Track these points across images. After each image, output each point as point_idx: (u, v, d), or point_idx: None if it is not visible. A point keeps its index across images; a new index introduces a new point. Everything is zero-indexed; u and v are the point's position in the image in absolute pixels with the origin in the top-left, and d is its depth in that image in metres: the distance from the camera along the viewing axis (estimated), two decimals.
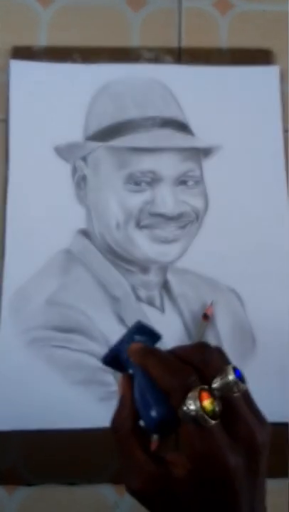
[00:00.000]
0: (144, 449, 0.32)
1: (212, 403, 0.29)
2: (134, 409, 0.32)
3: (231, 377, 0.31)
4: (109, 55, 0.62)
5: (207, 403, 0.29)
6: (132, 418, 0.32)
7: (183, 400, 0.30)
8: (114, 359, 0.36)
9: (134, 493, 0.32)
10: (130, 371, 0.34)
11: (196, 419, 0.29)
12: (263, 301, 0.57)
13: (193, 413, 0.29)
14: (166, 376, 0.31)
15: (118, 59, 0.61)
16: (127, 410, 0.33)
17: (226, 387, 0.30)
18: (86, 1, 0.63)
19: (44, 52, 0.61)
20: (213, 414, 0.29)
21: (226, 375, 0.31)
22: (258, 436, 0.31)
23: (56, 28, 0.63)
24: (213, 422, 0.29)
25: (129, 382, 0.33)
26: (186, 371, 0.31)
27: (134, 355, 0.34)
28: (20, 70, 0.60)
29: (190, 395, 0.30)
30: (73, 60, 0.61)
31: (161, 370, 0.31)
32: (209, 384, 0.30)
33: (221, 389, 0.30)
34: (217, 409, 0.30)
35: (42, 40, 0.62)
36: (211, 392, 0.30)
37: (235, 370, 0.32)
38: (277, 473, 0.53)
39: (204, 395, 0.29)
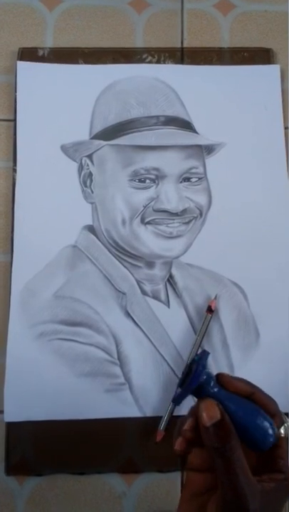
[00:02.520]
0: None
1: None
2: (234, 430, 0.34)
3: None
4: (114, 55, 0.63)
5: None
6: (237, 437, 0.34)
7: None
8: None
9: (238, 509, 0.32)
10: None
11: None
12: (266, 294, 0.58)
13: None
14: (271, 403, 0.36)
15: (122, 60, 0.63)
16: (233, 430, 0.34)
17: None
18: (91, 4, 0.65)
19: (50, 53, 0.62)
20: None
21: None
22: None
23: (62, 29, 0.64)
24: None
25: (221, 406, 0.35)
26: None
27: (244, 387, 0.37)
28: (26, 71, 0.61)
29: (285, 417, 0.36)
30: (78, 61, 0.62)
31: (266, 399, 0.37)
32: None
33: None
34: None
35: (48, 41, 0.64)
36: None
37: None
38: None
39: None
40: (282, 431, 0.36)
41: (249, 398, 0.36)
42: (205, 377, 0.35)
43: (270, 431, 0.34)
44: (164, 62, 0.63)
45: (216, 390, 0.36)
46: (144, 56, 0.63)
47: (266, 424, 0.34)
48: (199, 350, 0.55)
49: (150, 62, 0.63)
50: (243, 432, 0.34)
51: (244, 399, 0.36)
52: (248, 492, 0.32)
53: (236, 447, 0.33)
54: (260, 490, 0.33)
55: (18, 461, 0.53)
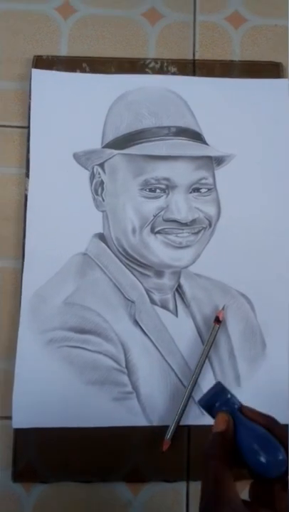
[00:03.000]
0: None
1: None
2: (233, 446, 0.36)
3: None
4: (127, 66, 0.63)
5: None
6: (231, 453, 0.35)
7: None
8: (208, 404, 0.40)
9: None
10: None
11: None
12: (273, 306, 0.58)
13: None
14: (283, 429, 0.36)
15: (135, 70, 0.63)
16: (229, 444, 0.36)
17: None
18: (105, 14, 0.66)
19: (64, 62, 0.63)
20: None
21: None
22: None
23: (76, 38, 0.65)
24: None
25: (232, 422, 0.37)
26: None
27: (265, 420, 0.38)
28: (41, 79, 0.62)
29: None
30: (92, 70, 0.63)
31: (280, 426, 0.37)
32: None
33: None
34: None
35: (62, 50, 0.64)
36: None
37: None
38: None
39: None
40: None
41: (268, 430, 0.37)
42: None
43: (281, 457, 0.34)
44: (176, 74, 0.64)
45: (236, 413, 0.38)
46: (157, 67, 0.64)
47: (278, 452, 0.34)
48: (207, 362, 0.55)
49: (162, 73, 0.64)
50: (253, 454, 0.35)
51: (263, 428, 0.37)
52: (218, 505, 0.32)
53: (224, 461, 0.34)
54: None
55: (25, 467, 0.53)
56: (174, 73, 0.64)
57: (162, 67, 0.64)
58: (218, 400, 0.39)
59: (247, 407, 0.39)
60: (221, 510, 0.32)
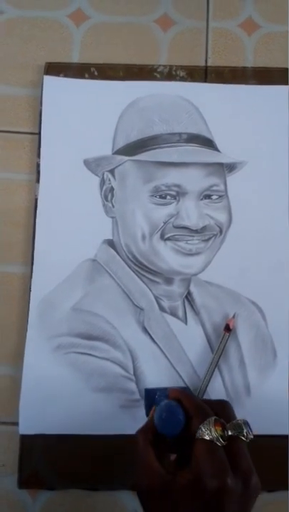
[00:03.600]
0: (158, 459, 0.40)
1: (222, 431, 0.40)
2: (154, 428, 0.42)
3: (244, 424, 0.41)
4: (138, 72, 0.64)
5: (218, 429, 0.39)
6: (152, 434, 0.42)
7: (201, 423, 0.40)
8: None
9: (141, 491, 0.40)
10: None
11: (208, 439, 0.39)
12: (285, 315, 0.57)
13: (206, 432, 0.39)
14: (192, 406, 0.42)
15: (146, 77, 0.63)
16: (150, 428, 0.43)
17: (238, 428, 0.40)
18: (117, 21, 0.66)
19: (76, 68, 0.63)
20: (222, 439, 0.39)
21: (241, 421, 0.41)
22: (254, 475, 0.39)
23: (88, 45, 0.65)
24: (219, 443, 0.39)
25: (154, 409, 0.44)
26: (207, 408, 0.42)
27: (174, 394, 0.44)
28: (53, 85, 0.62)
29: (207, 420, 0.40)
30: (103, 77, 0.63)
31: (189, 400, 0.43)
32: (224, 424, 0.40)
33: (233, 428, 0.40)
34: (225, 435, 0.39)
35: (74, 57, 0.64)
36: (224, 425, 0.40)
37: (248, 424, 0.41)
38: (278, 486, 0.53)
39: (218, 423, 0.40)
40: (206, 434, 0.39)
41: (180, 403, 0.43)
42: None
43: (175, 418, 0.42)
44: (188, 80, 0.64)
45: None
46: (168, 73, 0.64)
47: (174, 415, 0.42)
48: (216, 371, 0.54)
49: (174, 79, 0.63)
50: (158, 420, 0.42)
51: (174, 401, 0.44)
52: (139, 470, 0.40)
53: (145, 437, 0.42)
54: (168, 481, 0.38)
55: (31, 474, 0.53)
56: (186, 80, 0.64)
57: (174, 73, 0.64)
58: (152, 402, 0.47)
59: (170, 389, 0.45)
60: (143, 474, 0.40)
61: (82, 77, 0.63)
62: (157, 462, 0.40)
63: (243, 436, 0.40)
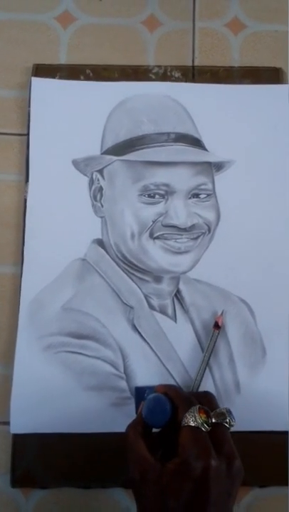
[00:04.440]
0: (148, 449, 0.43)
1: (206, 418, 0.42)
2: (143, 422, 0.45)
3: (227, 412, 0.44)
4: (126, 73, 0.64)
5: (203, 416, 0.42)
6: (142, 427, 0.45)
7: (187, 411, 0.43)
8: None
9: (134, 481, 0.42)
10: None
11: (194, 425, 0.42)
12: (274, 312, 0.58)
13: (192, 419, 0.42)
14: (177, 397, 0.45)
15: (134, 77, 0.64)
16: (140, 422, 0.45)
17: (222, 416, 0.43)
18: (104, 22, 0.66)
19: (63, 70, 0.64)
20: (206, 425, 0.42)
21: (224, 409, 0.44)
22: (237, 459, 0.42)
23: (75, 47, 0.65)
24: (203, 429, 0.42)
25: (142, 403, 0.46)
26: (192, 398, 0.45)
27: (161, 387, 0.48)
28: (40, 87, 0.62)
29: (192, 408, 0.43)
30: (91, 78, 0.64)
31: (174, 392, 0.46)
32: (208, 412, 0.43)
33: (217, 416, 0.43)
34: (209, 421, 0.42)
35: (62, 58, 0.65)
36: (208, 412, 0.43)
37: (231, 412, 0.44)
38: (276, 481, 0.54)
39: (202, 411, 0.43)
40: (191, 421, 0.42)
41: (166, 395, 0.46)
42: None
43: (160, 410, 0.45)
44: (175, 80, 0.64)
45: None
46: (156, 74, 0.64)
47: (160, 407, 0.45)
48: (207, 368, 0.55)
49: (161, 80, 0.64)
50: (145, 411, 0.45)
51: (162, 395, 0.46)
52: (131, 461, 0.43)
53: (136, 430, 0.45)
54: (158, 468, 0.41)
55: (24, 473, 0.53)
56: (173, 80, 0.64)
57: (161, 73, 0.64)
58: (142, 400, 0.48)
59: (158, 385, 0.49)
60: (135, 465, 0.43)
61: (72, 78, 0.63)
62: (148, 452, 0.43)
63: (226, 423, 0.43)
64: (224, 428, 0.43)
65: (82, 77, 0.63)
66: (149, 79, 0.64)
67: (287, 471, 0.53)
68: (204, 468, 0.40)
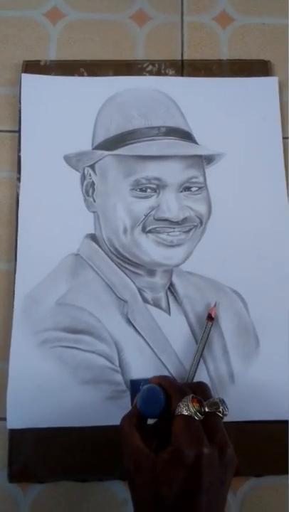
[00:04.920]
0: (142, 440, 0.43)
1: (199, 407, 0.43)
2: (138, 413, 0.45)
3: (220, 401, 0.44)
4: (115, 68, 0.64)
5: (196, 405, 0.43)
6: (136, 419, 0.45)
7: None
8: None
9: (128, 471, 0.43)
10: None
11: (187, 414, 0.42)
12: (266, 302, 0.58)
13: (185, 408, 0.42)
14: (171, 387, 0.45)
15: (124, 72, 0.64)
16: (134, 413, 0.46)
17: (215, 405, 0.44)
18: (93, 18, 0.66)
19: (53, 66, 0.64)
20: (199, 414, 0.42)
21: (217, 399, 0.44)
22: (230, 448, 0.42)
23: (65, 43, 0.66)
24: (196, 417, 0.42)
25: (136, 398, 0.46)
26: (185, 388, 0.45)
27: (155, 379, 0.48)
28: (31, 83, 0.63)
29: (185, 398, 0.43)
30: (81, 74, 0.64)
31: (168, 382, 0.46)
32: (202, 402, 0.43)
33: (210, 405, 0.44)
34: (202, 410, 0.43)
35: (51, 54, 0.65)
36: (201, 401, 0.43)
37: (224, 401, 0.44)
38: (281, 469, 0.54)
39: (195, 400, 0.43)
40: (184, 410, 0.43)
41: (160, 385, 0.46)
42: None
43: (154, 401, 0.45)
44: (165, 75, 0.64)
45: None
46: (145, 68, 0.64)
47: (154, 398, 0.45)
48: (201, 359, 0.55)
49: (151, 74, 0.64)
50: (140, 402, 0.45)
51: (156, 386, 0.46)
52: (126, 452, 0.44)
53: (130, 421, 0.45)
54: (152, 458, 0.41)
55: (21, 468, 0.53)
56: (162, 74, 0.64)
57: (151, 68, 0.64)
58: (137, 392, 0.48)
59: (152, 377, 0.49)
60: (129, 455, 0.43)
61: (62, 74, 0.63)
62: (142, 443, 0.43)
63: (220, 412, 0.44)
64: (217, 417, 0.43)
65: (72, 73, 0.64)
66: (139, 73, 0.64)
67: (287, 461, 0.54)
68: (196, 456, 0.40)
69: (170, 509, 0.40)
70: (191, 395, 0.44)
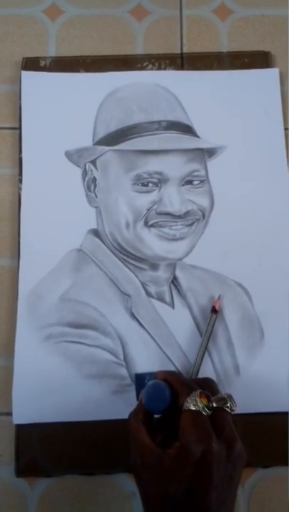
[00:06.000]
0: (149, 436, 0.43)
1: (207, 402, 0.42)
2: (144, 409, 0.45)
3: (228, 397, 0.44)
4: (115, 63, 0.64)
5: (203, 400, 0.42)
6: (143, 414, 0.45)
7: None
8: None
9: (136, 467, 0.43)
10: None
11: (194, 409, 0.42)
12: (270, 295, 0.58)
13: (192, 403, 0.42)
14: (178, 382, 0.45)
15: (123, 67, 0.64)
16: (140, 409, 0.46)
17: (222, 401, 0.43)
18: (91, 13, 0.66)
19: (53, 63, 0.64)
20: (207, 409, 0.42)
21: (225, 394, 0.44)
22: (238, 443, 0.42)
23: (64, 39, 0.66)
24: (204, 413, 0.42)
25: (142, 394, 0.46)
26: (193, 384, 0.45)
27: (161, 374, 0.48)
28: (30, 80, 0.63)
29: (192, 393, 0.43)
30: (80, 70, 0.64)
31: (175, 378, 0.46)
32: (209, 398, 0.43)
33: (218, 400, 0.43)
34: (210, 405, 0.42)
35: (51, 51, 0.65)
36: (209, 397, 0.43)
37: (232, 397, 0.44)
38: (278, 461, 0.54)
39: (203, 395, 0.43)
40: (192, 405, 0.42)
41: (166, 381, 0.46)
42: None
43: (159, 396, 0.45)
44: (165, 69, 0.64)
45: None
46: (145, 63, 0.64)
47: (158, 394, 0.45)
48: (206, 352, 0.55)
49: (151, 68, 0.64)
50: (145, 399, 0.45)
51: (162, 381, 0.46)
52: (133, 448, 0.44)
53: (137, 417, 0.45)
54: (159, 453, 0.41)
55: (28, 462, 0.54)
56: (162, 68, 0.64)
57: (151, 62, 0.64)
58: (142, 387, 0.48)
59: (157, 371, 0.49)
60: (136, 451, 0.43)
61: (67, 70, 0.63)
62: (149, 439, 0.43)
63: (228, 407, 0.43)
64: (225, 412, 0.43)
65: (71, 69, 0.64)
66: (139, 68, 0.64)
67: (288, 452, 0.54)
68: (205, 452, 0.39)
69: (178, 505, 0.40)
70: (198, 390, 0.43)
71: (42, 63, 0.64)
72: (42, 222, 0.59)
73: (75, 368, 0.55)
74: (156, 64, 0.64)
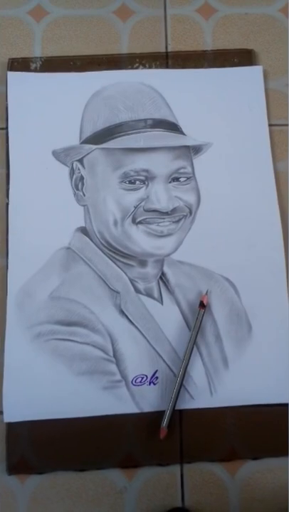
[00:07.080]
0: None
1: None
2: None
3: None
4: (101, 63, 0.65)
5: None
6: None
7: None
8: None
9: None
10: None
11: None
12: (257, 288, 0.59)
13: None
14: None
15: (109, 66, 0.65)
16: None
17: None
18: (77, 14, 0.67)
19: (39, 63, 0.64)
20: None
21: None
22: None
23: (49, 39, 0.66)
24: None
25: None
26: None
27: None
28: (17, 80, 0.63)
29: None
30: (66, 69, 0.64)
31: None
32: None
33: None
34: None
35: (36, 51, 0.66)
36: None
37: None
38: (278, 452, 0.55)
39: None
40: None
41: None
42: None
43: None
44: (150, 67, 0.65)
45: None
46: (130, 62, 0.65)
47: None
48: (194, 346, 0.56)
49: (136, 67, 0.65)
50: None
51: None
52: None
53: None
54: None
55: (19, 460, 0.54)
56: (148, 67, 0.65)
57: (136, 61, 0.65)
58: None
59: None
60: None
61: (52, 70, 0.64)
62: None
63: None
64: None
65: (57, 70, 0.64)
66: (124, 67, 0.65)
67: (288, 442, 0.54)
68: None
69: None
70: None
71: (28, 64, 0.64)
72: (30, 220, 0.60)
73: (66, 365, 0.56)
74: (142, 63, 0.65)
